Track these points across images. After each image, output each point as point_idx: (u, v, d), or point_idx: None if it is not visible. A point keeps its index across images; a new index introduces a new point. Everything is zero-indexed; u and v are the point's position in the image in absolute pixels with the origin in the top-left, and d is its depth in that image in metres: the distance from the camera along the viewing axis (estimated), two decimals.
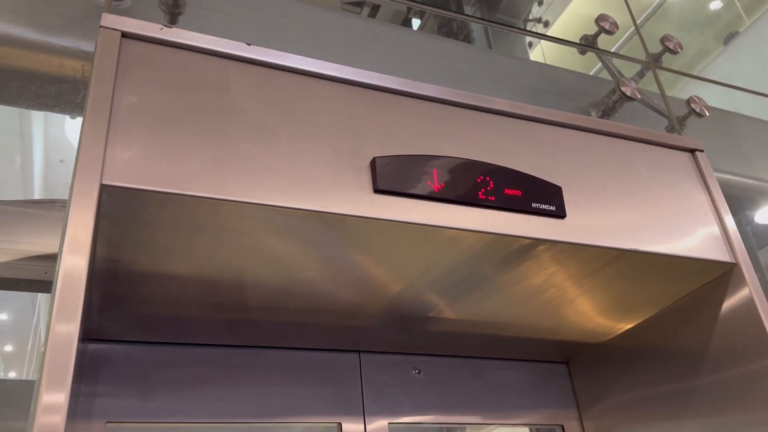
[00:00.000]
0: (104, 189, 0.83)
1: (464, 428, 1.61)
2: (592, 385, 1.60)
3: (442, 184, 1.03)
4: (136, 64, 0.95)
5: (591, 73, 1.96)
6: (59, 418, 0.68)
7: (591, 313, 1.43)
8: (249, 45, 1.04)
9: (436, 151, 1.07)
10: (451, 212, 1.02)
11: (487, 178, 1.07)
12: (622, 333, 1.52)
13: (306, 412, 1.34)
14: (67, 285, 0.75)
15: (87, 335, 1.21)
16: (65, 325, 0.73)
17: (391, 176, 1.00)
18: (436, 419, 1.47)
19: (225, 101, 0.98)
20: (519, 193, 1.09)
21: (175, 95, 0.95)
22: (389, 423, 1.39)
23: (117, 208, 0.88)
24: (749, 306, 1.23)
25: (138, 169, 0.87)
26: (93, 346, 1.23)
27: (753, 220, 1.95)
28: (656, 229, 1.21)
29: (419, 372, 1.48)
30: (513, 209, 1.07)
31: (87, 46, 1.19)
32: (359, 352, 1.45)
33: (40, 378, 0.70)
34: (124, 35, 0.96)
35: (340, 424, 1.35)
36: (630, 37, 2.22)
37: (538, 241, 1.08)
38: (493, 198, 1.06)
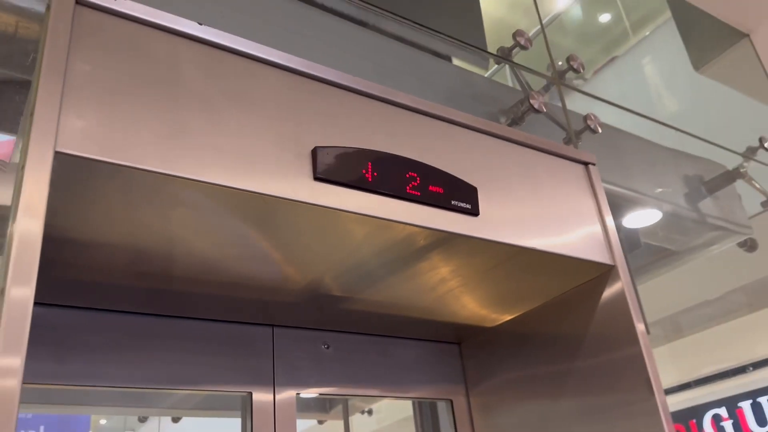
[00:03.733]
0: (57, 156, 0.85)
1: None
2: (480, 364, 1.77)
3: (376, 177, 1.12)
4: (89, 32, 0.96)
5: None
6: (15, 382, 0.70)
7: (487, 301, 1.58)
8: (200, 24, 1.07)
9: (372, 145, 1.16)
10: (382, 203, 1.11)
11: (415, 174, 1.18)
12: (511, 320, 1.69)
13: (219, 381, 1.40)
14: (22, 249, 0.76)
15: None
16: (21, 288, 0.74)
17: (331, 166, 1.08)
18: (341, 391, 1.58)
19: (174, 78, 1.01)
20: (441, 190, 1.20)
21: (126, 67, 0.97)
22: (297, 394, 1.48)
23: (64, 176, 0.89)
24: (621, 301, 1.42)
25: (91, 138, 0.88)
26: None
27: (624, 227, 2.21)
28: (552, 231, 1.37)
29: (328, 347, 1.58)
30: (435, 205, 1.18)
31: (21, 1, 1.16)
32: (273, 326, 1.52)
33: None
34: (78, 2, 0.96)
35: (251, 393, 1.42)
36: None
37: (454, 235, 1.20)
38: (419, 193, 1.16)
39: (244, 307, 1.42)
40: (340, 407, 2.75)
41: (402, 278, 1.38)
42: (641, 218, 2.26)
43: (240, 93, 1.06)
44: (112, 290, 1.25)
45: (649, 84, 3.76)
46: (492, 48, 1.85)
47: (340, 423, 2.80)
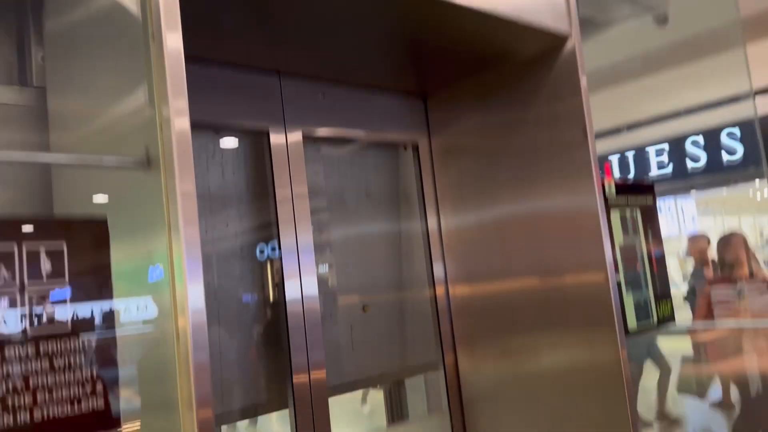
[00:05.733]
0: None
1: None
2: (442, 117, 2.10)
3: None
4: None
5: None
6: (186, 120, 0.93)
7: (462, 53, 1.82)
8: None
9: None
10: None
11: None
12: (471, 80, 1.99)
13: (245, 120, 1.66)
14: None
15: None
16: (173, 35, 0.94)
17: None
18: (332, 133, 1.88)
19: None
20: None
21: None
22: (303, 133, 1.77)
23: None
24: (572, 65, 1.74)
25: None
26: None
27: None
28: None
29: (324, 96, 1.83)
30: None
31: None
32: (279, 73, 1.74)
33: (164, 92, 0.92)
34: None
35: (269, 132, 1.70)
36: None
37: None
38: None
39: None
40: None
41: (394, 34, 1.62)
42: None
43: None
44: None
45: None
46: None
47: None
